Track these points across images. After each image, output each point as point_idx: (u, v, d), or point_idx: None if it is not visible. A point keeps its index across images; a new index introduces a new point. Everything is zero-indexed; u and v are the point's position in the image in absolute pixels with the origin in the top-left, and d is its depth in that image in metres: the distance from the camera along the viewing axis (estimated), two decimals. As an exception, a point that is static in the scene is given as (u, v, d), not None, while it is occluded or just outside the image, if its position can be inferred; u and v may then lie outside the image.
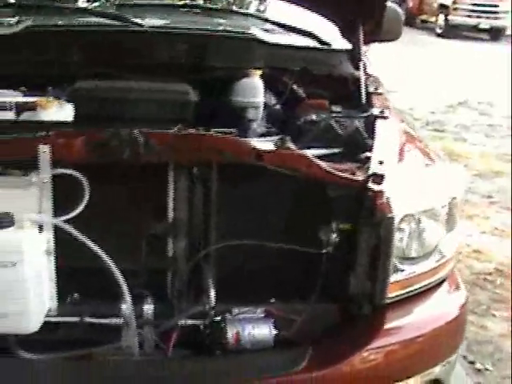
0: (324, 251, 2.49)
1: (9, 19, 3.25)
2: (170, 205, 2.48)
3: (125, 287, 2.38)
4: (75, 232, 2.34)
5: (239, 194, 2.50)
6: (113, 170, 2.39)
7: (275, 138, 2.49)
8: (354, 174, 2.46)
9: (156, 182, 2.47)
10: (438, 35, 20.92)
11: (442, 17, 21.11)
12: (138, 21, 3.06)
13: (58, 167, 2.32)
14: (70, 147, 2.32)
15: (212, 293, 2.47)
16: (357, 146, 2.68)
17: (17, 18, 3.22)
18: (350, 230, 2.47)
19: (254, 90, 2.99)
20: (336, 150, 2.65)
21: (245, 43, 3.12)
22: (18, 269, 2.23)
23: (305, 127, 2.81)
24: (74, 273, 2.48)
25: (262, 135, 2.91)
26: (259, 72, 3.03)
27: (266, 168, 2.38)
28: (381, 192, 2.40)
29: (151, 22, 3.14)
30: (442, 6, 21.08)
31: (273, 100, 3.16)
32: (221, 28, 3.24)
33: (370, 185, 2.40)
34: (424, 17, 22.55)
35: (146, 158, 2.34)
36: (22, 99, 2.77)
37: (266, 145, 2.43)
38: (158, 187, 2.47)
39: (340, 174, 2.42)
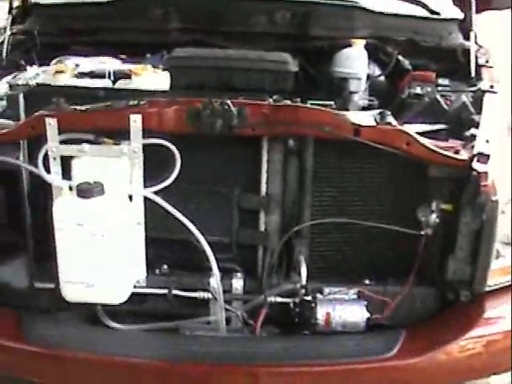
0: (423, 232, 2.36)
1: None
2: (263, 178, 2.40)
3: (213, 261, 2.33)
4: (165, 203, 2.30)
5: (335, 169, 2.40)
6: (205, 140, 2.34)
7: (375, 112, 2.36)
8: (458, 152, 2.30)
9: (249, 154, 2.40)
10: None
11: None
12: (238, -13, 2.98)
13: (149, 137, 2.28)
14: (161, 117, 2.27)
15: (304, 271, 2.39)
16: (463, 123, 2.52)
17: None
18: (452, 211, 2.33)
19: (356, 60, 2.87)
20: (440, 127, 2.49)
21: (348, 11, 3.00)
22: (106, 239, 2.22)
23: (408, 101, 2.67)
24: (164, 244, 2.46)
25: (364, 108, 2.79)
26: (363, 42, 2.90)
27: (365, 143, 2.26)
28: (486, 173, 2.23)
29: (253, -12, 3.04)
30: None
31: (376, 71, 3.02)
32: (324, -4, 3.10)
33: (475, 165, 2.25)
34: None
35: (239, 130, 2.26)
36: (119, 66, 2.75)
37: (365, 119, 2.30)
38: (251, 159, 2.40)
39: (442, 152, 2.27)
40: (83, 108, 2.29)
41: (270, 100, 2.33)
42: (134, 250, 2.36)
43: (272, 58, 2.69)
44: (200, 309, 2.45)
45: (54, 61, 2.83)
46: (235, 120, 2.25)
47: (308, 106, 2.31)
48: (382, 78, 3.04)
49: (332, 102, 2.43)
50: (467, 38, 3.09)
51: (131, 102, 2.29)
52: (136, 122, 2.25)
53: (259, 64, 2.66)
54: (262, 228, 2.46)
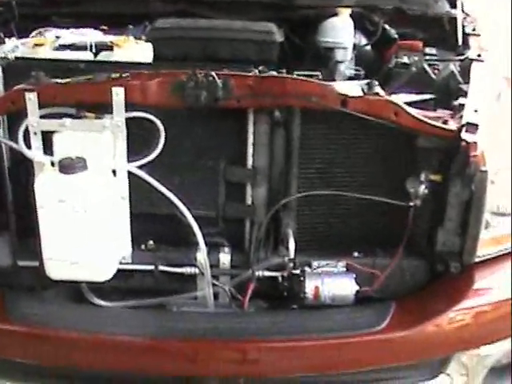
0: (411, 204, 2.33)
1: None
2: (250, 150, 2.36)
3: (200, 235, 2.30)
4: (150, 178, 2.27)
5: (322, 140, 2.36)
6: (189, 113, 2.29)
7: (362, 82, 2.32)
8: (446, 122, 2.27)
9: (235, 126, 2.35)
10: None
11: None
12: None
13: (132, 110, 2.22)
14: (144, 90, 2.22)
15: (291, 244, 2.35)
16: (450, 92, 2.48)
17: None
18: (440, 181, 2.30)
19: (342, 29, 2.81)
20: (428, 96, 2.45)
21: None
22: (91, 214, 2.17)
23: (396, 70, 2.62)
24: (149, 219, 2.42)
25: (350, 78, 2.75)
26: (348, 11, 2.85)
27: (352, 114, 2.22)
28: (475, 143, 2.20)
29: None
30: None
31: (363, 41, 2.98)
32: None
33: (464, 135, 2.21)
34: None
35: (225, 102, 2.21)
36: (101, 38, 2.69)
37: (352, 89, 2.26)
38: (236, 131, 2.36)
39: (431, 122, 2.24)
40: (64, 81, 2.24)
41: (256, 71, 2.28)
42: (118, 226, 2.32)
43: (257, 28, 2.63)
44: (187, 284, 2.41)
45: (33, 33, 2.75)
46: (220, 92, 2.20)
47: (294, 76, 2.25)
48: (369, 48, 2.99)
49: (318, 73, 2.37)
50: (453, 6, 3.05)
51: (113, 75, 2.23)
52: (118, 95, 2.19)
53: (244, 34, 2.60)
54: (249, 201, 2.42)
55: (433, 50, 2.76)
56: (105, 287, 2.35)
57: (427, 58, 2.68)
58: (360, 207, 2.41)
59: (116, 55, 2.51)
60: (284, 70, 2.30)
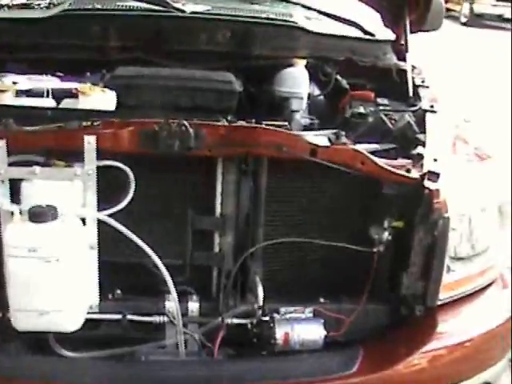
0: (375, 250, 2.40)
1: (42, 1, 3.17)
2: (218, 199, 2.39)
3: (171, 283, 2.29)
4: (120, 226, 2.25)
5: (288, 188, 2.41)
6: (158, 161, 2.30)
7: (328, 132, 2.39)
8: (408, 171, 2.36)
9: (203, 175, 2.38)
10: (463, 24, 20.57)
11: (466, 5, 20.79)
12: (180, 6, 2.95)
13: (103, 159, 2.23)
14: (117, 138, 2.22)
15: (260, 291, 2.37)
16: (408, 142, 2.57)
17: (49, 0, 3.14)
18: (403, 228, 2.39)
19: (297, 79, 2.89)
20: (389, 146, 2.54)
21: (288, 31, 3.00)
22: (61, 264, 2.13)
23: (353, 120, 2.70)
24: (117, 268, 2.40)
25: (305, 127, 2.81)
26: (303, 61, 2.94)
27: (321, 163, 2.28)
28: (437, 190, 2.31)
29: (192, 7, 3.00)
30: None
31: (316, 91, 3.06)
32: (264, 15, 3.10)
33: (427, 183, 2.31)
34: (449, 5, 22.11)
35: (197, 151, 2.24)
36: (60, 85, 2.67)
37: (319, 139, 2.33)
38: (205, 180, 2.38)
39: (395, 171, 2.33)
40: (34, 129, 2.22)
41: (224, 121, 2.32)
42: (87, 275, 2.29)
43: (217, 78, 2.68)
44: (155, 333, 2.40)
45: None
46: (192, 141, 2.22)
47: (265, 126, 2.30)
48: (321, 97, 3.07)
49: (286, 123, 2.43)
50: (400, 58, 3.17)
51: (85, 123, 2.23)
52: (90, 143, 2.19)
53: (205, 83, 2.65)
54: (217, 249, 2.44)
55: (384, 101, 2.85)
56: (72, 337, 2.30)
57: (381, 108, 2.77)
58: (325, 253, 2.46)
59: (82, 103, 2.50)
60: (253, 120, 2.35)
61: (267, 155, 2.30)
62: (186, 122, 2.22)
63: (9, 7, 3.18)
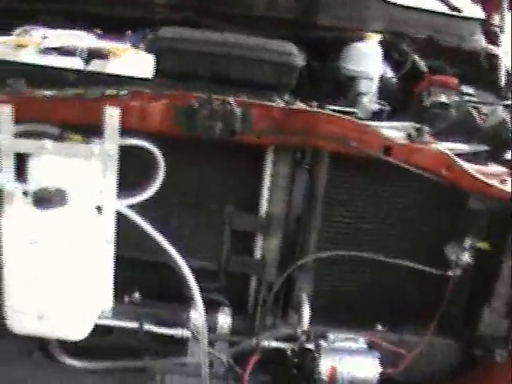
0: (451, 273, 2.02)
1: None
2: (265, 195, 2.00)
3: (197, 291, 1.93)
4: (141, 220, 1.89)
5: (352, 190, 2.03)
6: (194, 144, 1.92)
7: (407, 125, 1.96)
8: (503, 182, 1.92)
9: (249, 165, 2.01)
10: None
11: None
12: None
13: (128, 137, 1.86)
14: (146, 113, 1.84)
15: (306, 313, 2.02)
16: (502, 144, 2.13)
17: None
18: (489, 250, 1.99)
19: (368, 57, 2.46)
20: (481, 148, 2.10)
21: (363, 0, 2.58)
22: (68, 260, 1.81)
23: (433, 112, 2.26)
24: (136, 267, 2.07)
25: (375, 114, 2.39)
26: (377, 37, 2.50)
27: (392, 164, 1.87)
28: None
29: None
30: None
31: (388, 72, 2.62)
32: (336, -21, 2.70)
33: None
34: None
35: (242, 137, 1.85)
36: (95, 44, 2.28)
37: (395, 134, 1.90)
38: (250, 171, 2.01)
39: (487, 181, 1.90)
40: (47, 94, 1.84)
41: (279, 101, 1.91)
42: (100, 274, 1.93)
43: (277, 48, 2.26)
44: (175, 347, 2.06)
45: (17, 30, 2.34)
46: (238, 124, 1.83)
47: (330, 113, 1.89)
48: (394, 80, 2.64)
49: (356, 110, 2.01)
50: (491, 40, 2.72)
51: (108, 92, 1.85)
52: (113, 117, 1.82)
53: (261, 54, 2.23)
54: (258, 255, 2.07)
55: (470, 90, 2.41)
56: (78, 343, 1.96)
57: (466, 98, 2.33)
58: (388, 272, 2.08)
59: (111, 66, 2.10)
60: (315, 104, 1.93)
61: (329, 149, 1.88)
62: (231, 100, 1.82)
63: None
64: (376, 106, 2.48)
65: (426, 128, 1.94)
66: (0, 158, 1.86)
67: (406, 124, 1.99)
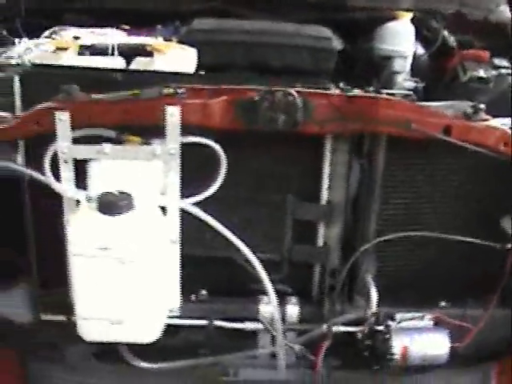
0: (509, 246, 2.00)
1: None
2: (325, 183, 1.99)
3: (268, 283, 1.92)
4: (208, 217, 1.88)
5: (409, 171, 2.00)
6: (252, 137, 1.89)
7: (463, 104, 1.95)
8: None
9: (307, 154, 1.98)
10: None
11: None
12: None
13: (188, 135, 1.83)
14: (207, 110, 1.82)
15: (374, 294, 2.01)
16: None
17: None
18: None
19: (401, 35, 2.43)
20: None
21: None
22: (138, 264, 1.77)
23: (472, 86, 2.26)
24: (201, 264, 2.04)
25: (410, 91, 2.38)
26: (409, 15, 2.48)
27: (448, 142, 1.86)
28: None
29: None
30: None
31: (419, 49, 2.61)
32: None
33: None
34: None
35: (304, 127, 1.83)
36: (128, 40, 2.24)
37: (452, 114, 1.90)
38: (309, 160, 1.99)
39: None
40: (105, 97, 1.82)
41: (333, 87, 1.90)
42: (167, 275, 1.92)
43: (314, 33, 2.24)
44: (244, 340, 2.06)
45: (47, 32, 2.30)
46: (300, 114, 1.82)
47: (389, 97, 1.88)
48: (425, 57, 2.63)
49: (411, 93, 2.00)
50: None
51: (166, 90, 1.82)
52: (173, 116, 1.79)
53: (298, 39, 2.21)
54: (321, 243, 2.05)
55: (503, 62, 2.40)
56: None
57: (503, 71, 2.32)
58: (447, 249, 2.07)
59: (157, 63, 2.07)
60: (371, 89, 1.92)
61: (392, 133, 1.87)
62: (293, 91, 1.80)
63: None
64: (411, 84, 2.49)
65: (481, 105, 1.92)
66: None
67: (461, 103, 1.98)
